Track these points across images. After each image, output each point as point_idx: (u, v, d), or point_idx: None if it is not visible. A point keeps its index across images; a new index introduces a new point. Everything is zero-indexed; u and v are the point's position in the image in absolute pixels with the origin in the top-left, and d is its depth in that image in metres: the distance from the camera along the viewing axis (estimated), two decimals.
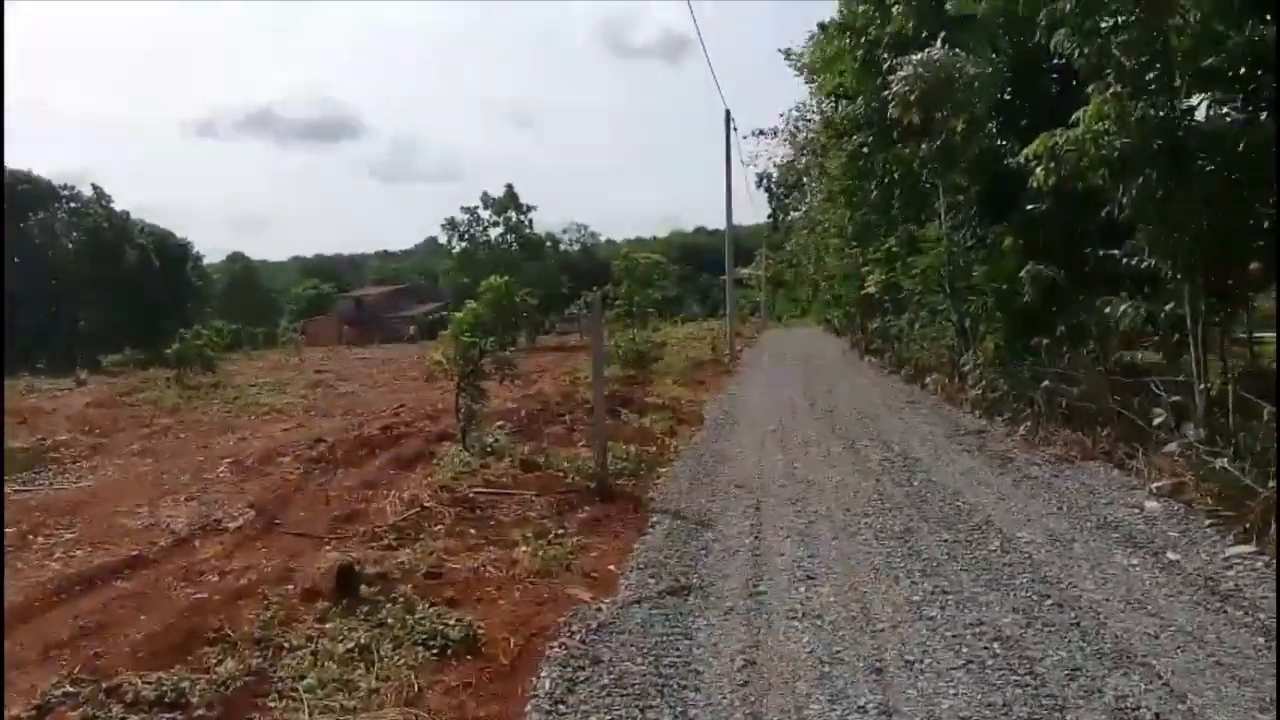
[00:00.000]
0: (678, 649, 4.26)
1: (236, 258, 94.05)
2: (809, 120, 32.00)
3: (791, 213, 40.17)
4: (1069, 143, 7.70)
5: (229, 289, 79.35)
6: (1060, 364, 9.71)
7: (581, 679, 3.93)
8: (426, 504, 7.02)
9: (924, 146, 13.15)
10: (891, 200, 17.17)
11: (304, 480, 8.67)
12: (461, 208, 42.23)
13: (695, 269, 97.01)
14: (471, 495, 7.42)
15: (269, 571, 5.42)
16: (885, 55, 13.61)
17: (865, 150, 16.34)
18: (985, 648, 4.15)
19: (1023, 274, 10.29)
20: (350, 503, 7.41)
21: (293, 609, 4.51)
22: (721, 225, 30.24)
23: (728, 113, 28.75)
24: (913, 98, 11.26)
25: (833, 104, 20.84)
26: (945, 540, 6.00)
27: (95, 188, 45.27)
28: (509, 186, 42.35)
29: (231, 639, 4.10)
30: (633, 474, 8.46)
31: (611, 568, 5.62)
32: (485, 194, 41.99)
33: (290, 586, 4.93)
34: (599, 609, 4.77)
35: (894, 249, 17.14)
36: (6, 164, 42.70)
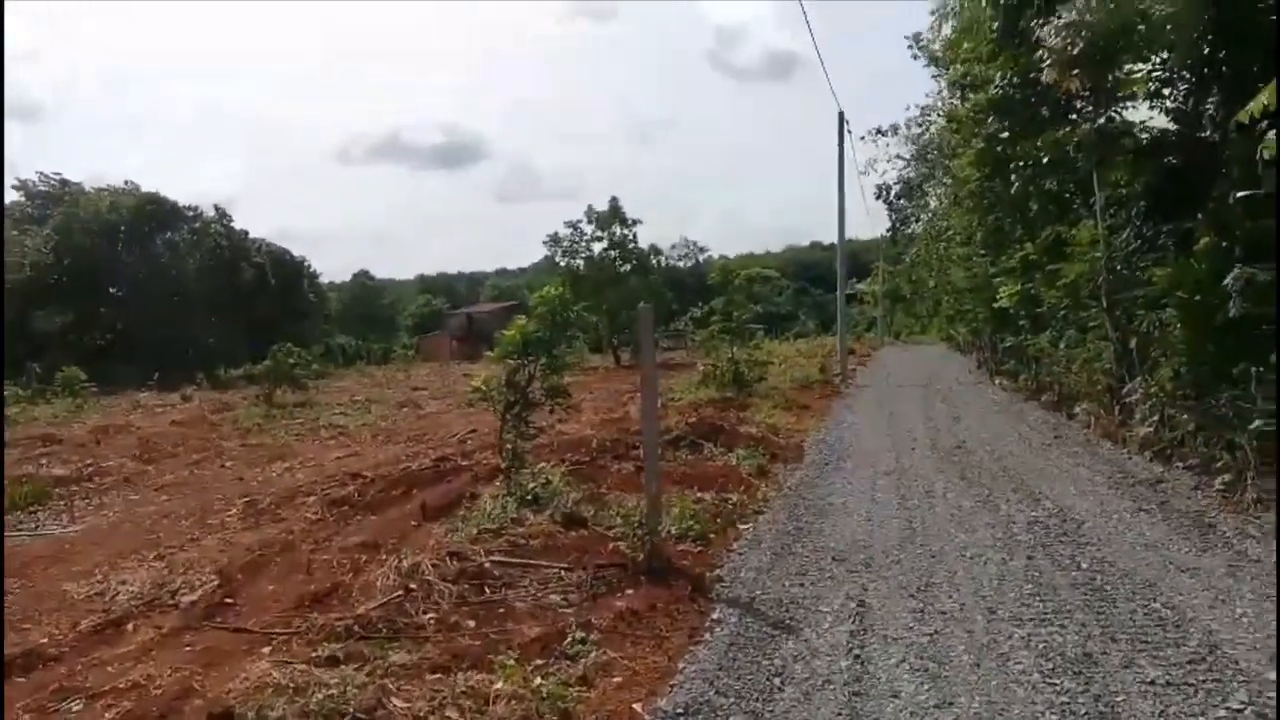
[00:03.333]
0: None
1: (360, 274, 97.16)
2: (933, 120, 29.58)
3: (912, 224, 37.52)
4: None
5: (348, 306, 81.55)
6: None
7: None
8: (421, 580, 5.41)
9: (1080, 129, 10.77)
10: (1029, 201, 14.87)
11: (310, 530, 7.25)
12: (565, 222, 40.73)
13: (810, 284, 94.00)
14: (486, 566, 5.78)
15: (159, 695, 3.89)
16: (1032, 15, 11.10)
17: (1004, 136, 13.84)
18: None
19: (1228, 281, 7.80)
20: (337, 571, 5.88)
21: None
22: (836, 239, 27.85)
23: (840, 114, 26.56)
24: (1075, 52, 8.54)
25: (961, 98, 18.63)
26: (1153, 682, 3.89)
27: (216, 208, 46.45)
28: (613, 200, 40.71)
29: None
30: (700, 536, 6.61)
31: (638, 707, 3.83)
32: (590, 208, 40.58)
33: None
34: None
35: (1032, 256, 15.05)
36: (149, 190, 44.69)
